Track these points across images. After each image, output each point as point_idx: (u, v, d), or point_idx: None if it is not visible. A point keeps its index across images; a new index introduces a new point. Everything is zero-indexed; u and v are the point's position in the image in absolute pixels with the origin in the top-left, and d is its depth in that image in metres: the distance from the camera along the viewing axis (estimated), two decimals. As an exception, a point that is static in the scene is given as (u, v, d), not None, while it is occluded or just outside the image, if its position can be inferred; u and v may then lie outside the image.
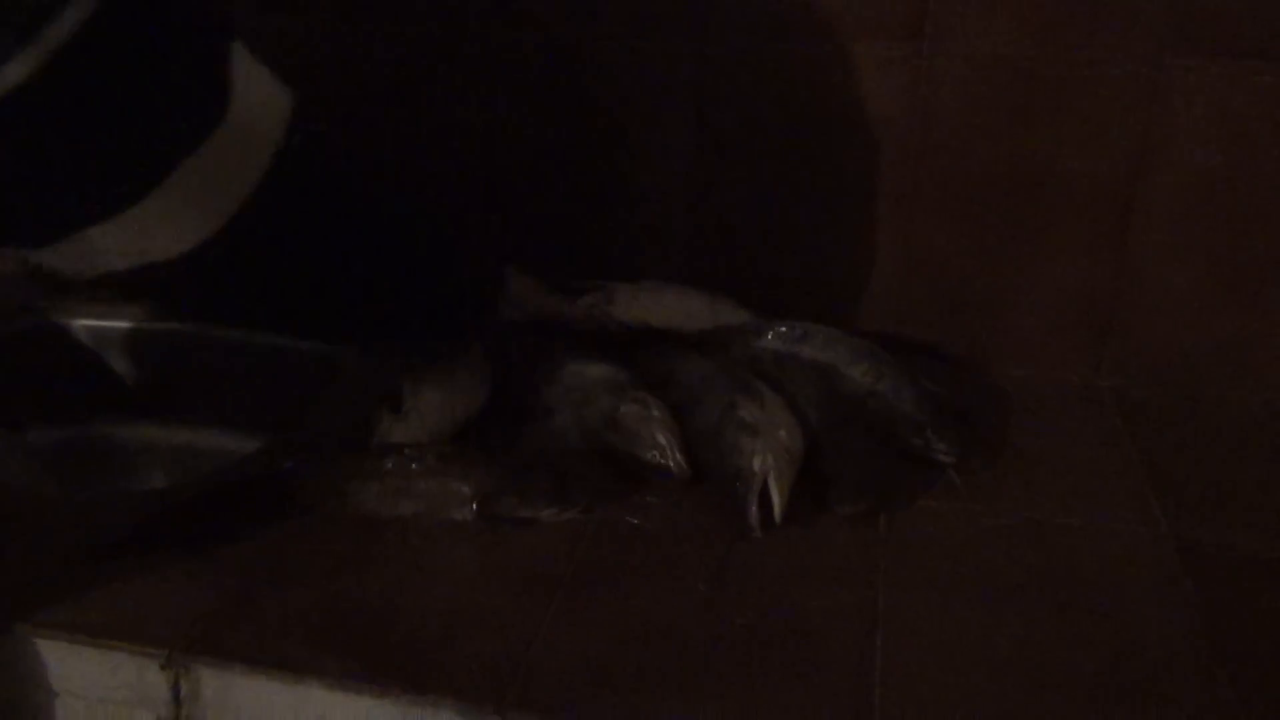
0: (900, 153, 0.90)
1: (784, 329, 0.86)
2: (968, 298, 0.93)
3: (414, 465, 0.70)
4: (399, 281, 0.70)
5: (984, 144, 0.88)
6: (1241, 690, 0.57)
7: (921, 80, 0.87)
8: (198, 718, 0.58)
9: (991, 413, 0.85)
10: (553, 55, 0.93)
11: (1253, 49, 0.82)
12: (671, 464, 0.72)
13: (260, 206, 0.53)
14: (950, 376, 0.88)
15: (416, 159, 0.98)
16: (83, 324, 0.97)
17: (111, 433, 0.99)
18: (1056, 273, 0.91)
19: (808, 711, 0.55)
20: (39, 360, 0.98)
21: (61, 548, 0.66)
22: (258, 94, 0.53)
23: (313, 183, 0.59)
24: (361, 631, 0.60)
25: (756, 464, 0.68)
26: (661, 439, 0.73)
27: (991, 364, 0.93)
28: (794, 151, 0.92)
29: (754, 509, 0.67)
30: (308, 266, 0.61)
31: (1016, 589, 0.65)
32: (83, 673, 0.59)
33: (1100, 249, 0.90)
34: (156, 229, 0.50)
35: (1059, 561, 0.67)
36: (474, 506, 0.69)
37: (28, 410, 0.94)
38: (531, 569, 0.65)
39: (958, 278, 0.93)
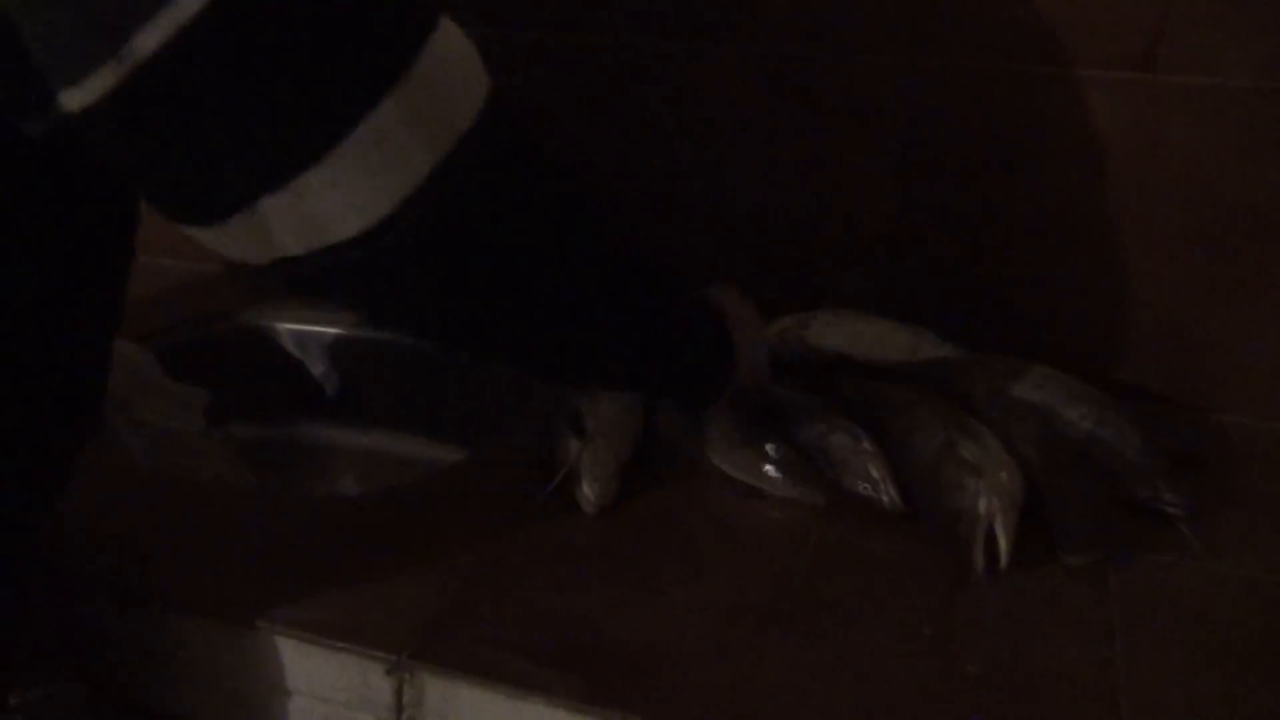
0: (1124, 184, 0.86)
1: (997, 365, 0.82)
2: (1191, 339, 0.88)
3: None
4: (637, 321, 0.63)
5: (1215, 178, 0.84)
6: None
7: (1151, 110, 0.83)
8: (418, 724, 0.59)
9: (1220, 462, 0.80)
10: (762, 73, 0.92)
11: None
12: (885, 498, 0.70)
13: (443, 193, 0.46)
14: (1175, 423, 0.84)
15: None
16: (288, 327, 1.01)
17: (310, 434, 1.02)
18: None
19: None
20: (245, 360, 1.01)
21: (284, 546, 0.68)
22: (451, 66, 0.47)
23: (512, 182, 0.51)
24: (584, 649, 0.59)
25: (981, 506, 0.65)
26: (875, 472, 0.71)
27: (1215, 410, 0.88)
28: (1006, 177, 0.89)
29: (979, 552, 0.65)
30: (503, 275, 0.53)
31: (1259, 652, 0.61)
32: (309, 671, 0.61)
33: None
34: (329, 199, 0.44)
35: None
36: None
37: (232, 408, 0.97)
38: (752, 598, 0.64)
39: (1180, 318, 0.88)
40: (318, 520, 0.72)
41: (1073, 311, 0.90)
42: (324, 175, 0.43)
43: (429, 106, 0.45)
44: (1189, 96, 0.82)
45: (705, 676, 0.57)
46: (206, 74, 0.41)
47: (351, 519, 0.72)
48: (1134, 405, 0.80)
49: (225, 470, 0.94)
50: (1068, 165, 0.87)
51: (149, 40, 0.39)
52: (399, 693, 0.58)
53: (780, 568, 0.67)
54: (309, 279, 0.48)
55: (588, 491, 0.71)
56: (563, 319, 0.58)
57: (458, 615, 0.62)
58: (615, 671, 0.58)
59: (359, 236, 0.45)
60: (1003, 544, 0.65)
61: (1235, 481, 0.78)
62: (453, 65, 0.47)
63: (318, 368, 1.01)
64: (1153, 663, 0.60)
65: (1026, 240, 0.90)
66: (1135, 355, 0.90)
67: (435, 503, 0.74)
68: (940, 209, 0.92)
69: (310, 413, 1.02)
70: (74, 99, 0.41)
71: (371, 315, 0.56)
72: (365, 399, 1.01)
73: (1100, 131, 0.85)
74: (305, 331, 1.01)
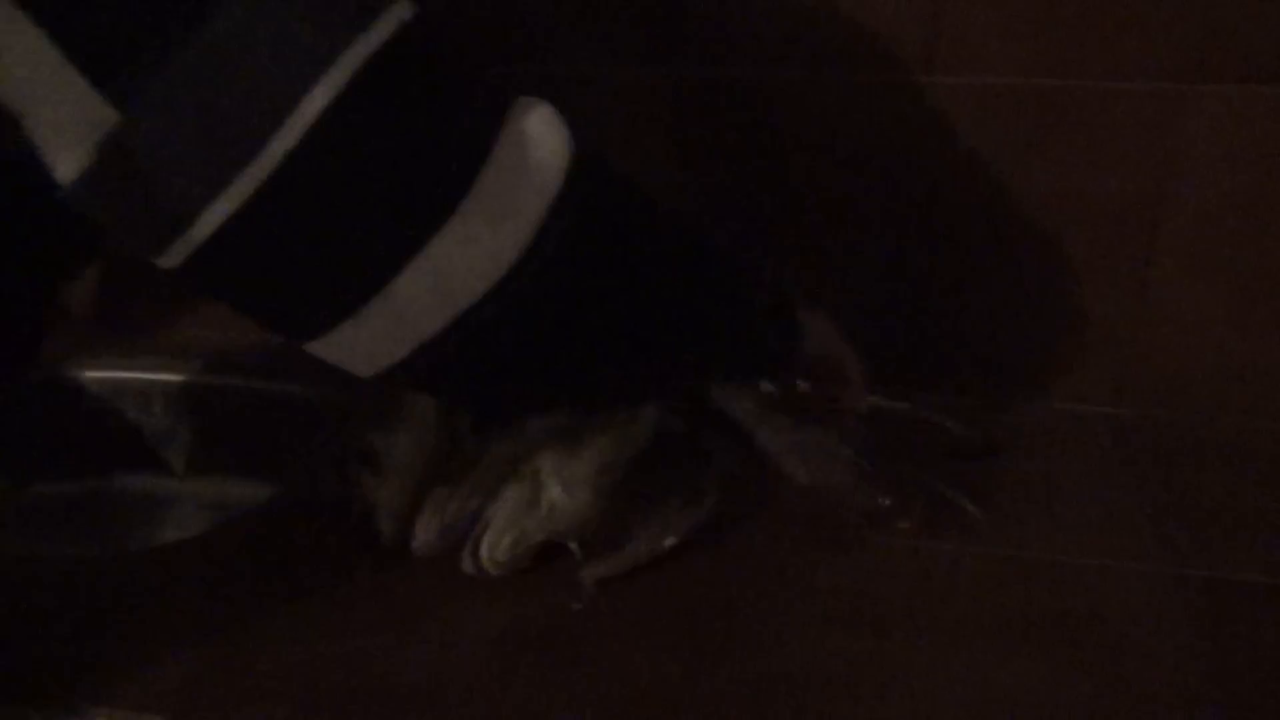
0: (910, 183, 0.88)
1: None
2: (983, 328, 0.91)
3: None
4: (712, 328, 0.67)
5: (998, 172, 0.87)
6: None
7: (934, 110, 0.86)
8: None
9: (1011, 446, 0.83)
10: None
11: (1272, 72, 0.79)
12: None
13: (557, 234, 0.50)
14: (966, 410, 0.86)
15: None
16: (95, 376, 0.98)
17: (126, 485, 0.99)
18: (1075, 300, 0.89)
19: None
20: (51, 413, 0.98)
21: (54, 611, 0.66)
22: (537, 120, 0.51)
23: (605, 230, 0.56)
24: (352, 694, 0.58)
25: None
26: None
27: (1010, 395, 0.91)
28: (799, 181, 0.91)
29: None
30: (617, 315, 0.58)
31: (1026, 629, 0.62)
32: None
33: (1122, 275, 0.87)
34: (456, 262, 0.48)
35: (1067, 601, 0.65)
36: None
37: (36, 464, 0.94)
38: (530, 626, 0.64)
39: (970, 307, 0.91)
40: (98, 580, 0.70)
41: (861, 314, 0.92)
42: (454, 234, 0.47)
43: (522, 168, 0.49)
44: (966, 94, 0.85)
45: (479, 710, 0.57)
46: (328, 162, 0.45)
47: (134, 574, 0.70)
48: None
49: (17, 534, 0.90)
50: (847, 167, 0.89)
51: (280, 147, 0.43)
52: (167, 752, 0.57)
53: (563, 588, 0.66)
54: (445, 359, 0.51)
55: (384, 527, 0.71)
56: (655, 344, 0.63)
57: (230, 669, 0.60)
58: (386, 713, 0.57)
59: (491, 291, 0.49)
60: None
61: (1024, 466, 0.81)
62: (532, 134, 0.51)
63: (130, 416, 0.99)
64: (919, 646, 0.61)
65: (807, 245, 0.92)
66: (931, 347, 0.93)
67: (229, 549, 0.73)
68: (736, 223, 0.93)
69: (126, 463, 0.99)
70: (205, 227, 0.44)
71: (495, 379, 0.58)
72: (181, 445, 0.99)
73: (882, 132, 0.88)
74: (115, 379, 0.98)
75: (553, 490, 0.68)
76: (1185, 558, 0.69)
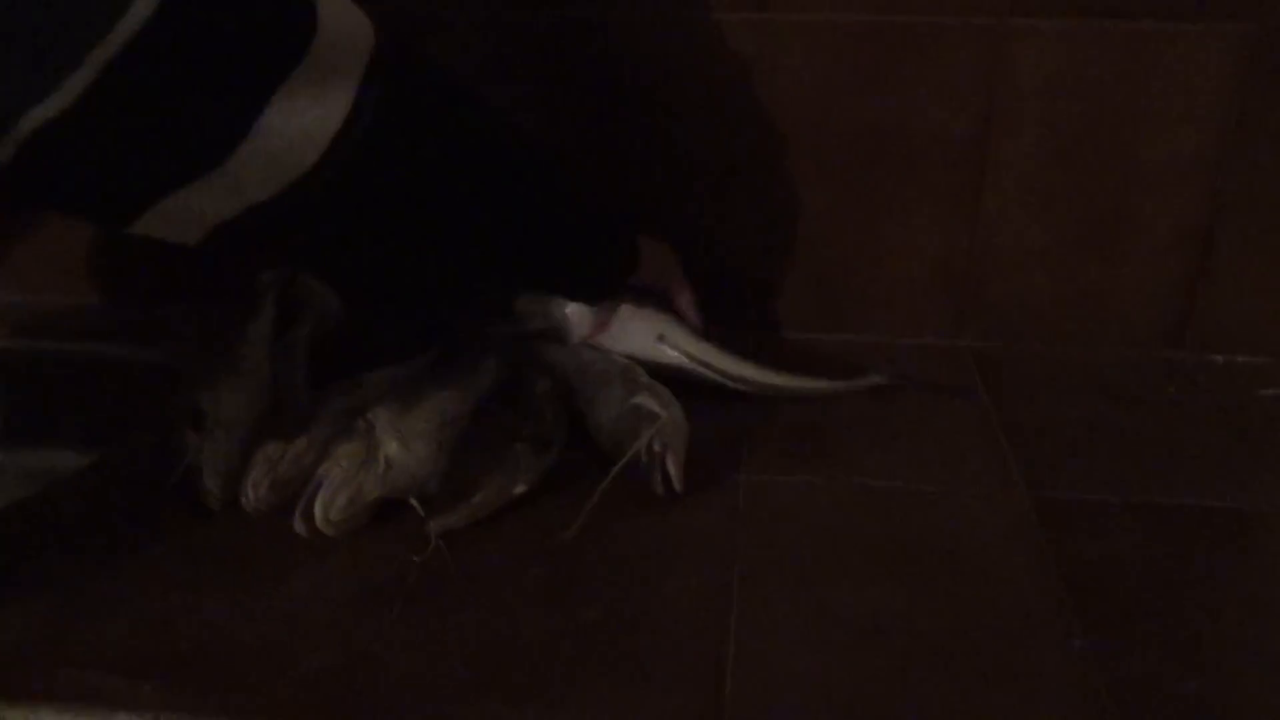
0: (748, 122, 0.88)
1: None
2: (822, 263, 0.92)
3: None
4: (545, 226, 0.69)
5: (833, 109, 0.87)
6: (1098, 641, 0.57)
7: (766, 47, 0.86)
8: (7, 763, 0.54)
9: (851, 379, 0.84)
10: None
11: (1091, 6, 0.82)
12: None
13: (360, 137, 0.53)
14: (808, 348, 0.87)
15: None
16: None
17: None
18: (912, 234, 0.90)
19: (660, 702, 0.53)
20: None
21: None
22: (343, 12, 0.53)
23: (420, 111, 0.58)
24: (185, 658, 0.56)
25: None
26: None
27: (857, 332, 0.93)
28: (638, 121, 0.90)
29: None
30: (437, 198, 0.61)
31: (875, 559, 0.64)
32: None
33: (954, 209, 0.89)
34: (287, 132, 0.50)
35: (917, 529, 0.67)
36: None
37: None
38: (368, 580, 0.62)
39: (811, 244, 0.91)
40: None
41: (712, 247, 0.93)
42: (280, 110, 0.49)
43: (337, 46, 0.51)
44: (799, 30, 0.85)
45: (313, 666, 0.55)
46: (151, 65, 0.45)
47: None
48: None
49: None
50: (695, 109, 0.89)
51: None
52: (-21, 732, 0.54)
53: (407, 543, 0.65)
54: (270, 221, 0.53)
55: (210, 485, 0.68)
56: (486, 224, 0.65)
57: (53, 639, 0.57)
58: (223, 675, 0.55)
59: (319, 161, 0.51)
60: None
61: (867, 399, 0.83)
62: (342, 12, 0.53)
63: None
64: (768, 576, 0.62)
65: (663, 185, 0.92)
66: (780, 282, 0.94)
67: (52, 516, 0.69)
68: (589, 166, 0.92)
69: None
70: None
71: (318, 248, 0.61)
72: (8, 414, 0.93)
73: (722, 72, 0.87)
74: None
75: (389, 446, 0.66)
76: (1036, 482, 0.71)
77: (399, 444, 0.65)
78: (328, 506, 0.63)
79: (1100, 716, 0.52)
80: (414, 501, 0.66)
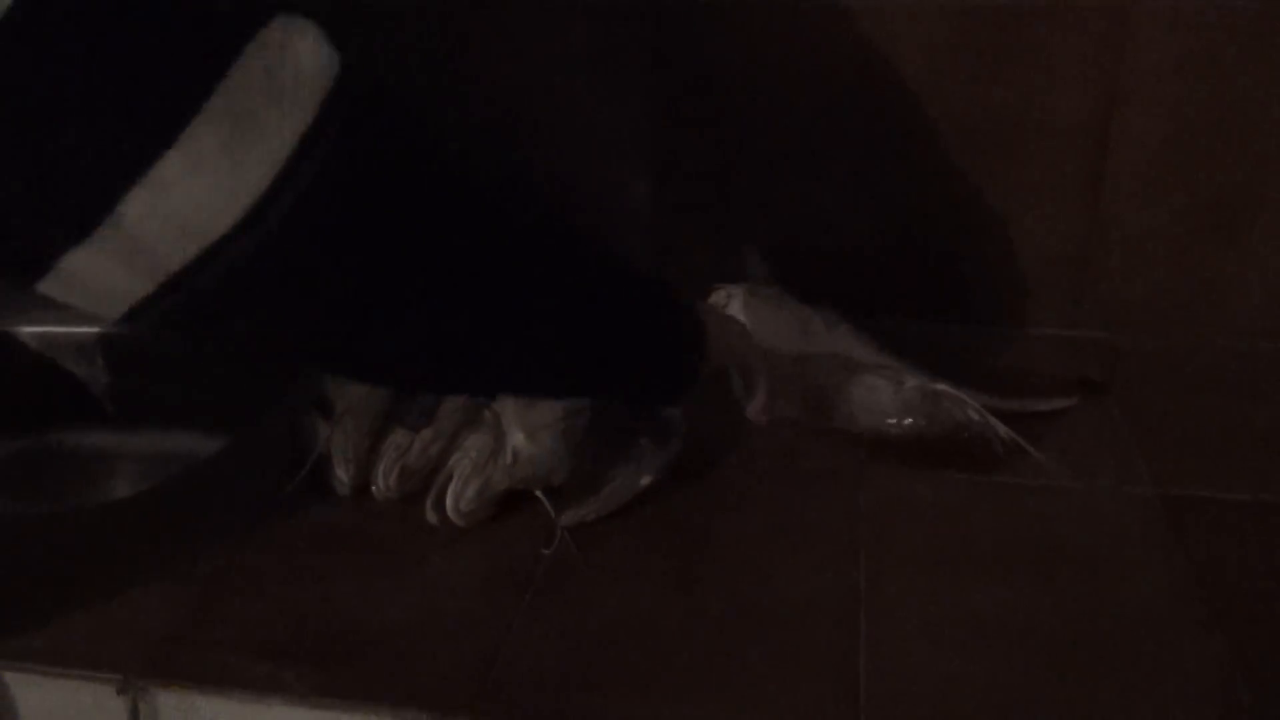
0: (861, 107, 0.87)
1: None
2: (937, 252, 0.91)
3: None
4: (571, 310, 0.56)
5: (947, 92, 0.86)
6: (1235, 641, 0.56)
7: (879, 29, 0.84)
8: (158, 741, 0.56)
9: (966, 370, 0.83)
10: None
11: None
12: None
13: (323, 157, 0.43)
14: (927, 336, 0.86)
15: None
16: (32, 331, 0.94)
17: (69, 441, 0.96)
18: (1029, 222, 0.88)
19: (793, 697, 0.53)
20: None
21: (12, 570, 0.64)
22: (302, 26, 0.44)
23: (393, 141, 0.48)
24: (324, 644, 0.58)
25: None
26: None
27: (968, 322, 0.91)
28: (750, 107, 0.89)
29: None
30: (409, 278, 0.49)
31: (999, 555, 0.63)
32: (41, 701, 0.57)
33: (1073, 195, 0.87)
34: (196, 188, 0.41)
35: (1043, 524, 0.66)
36: None
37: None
38: (498, 570, 0.63)
39: (926, 232, 0.90)
40: (54, 536, 0.68)
41: (830, 236, 0.92)
42: (181, 160, 0.40)
43: (278, 75, 0.42)
44: (915, 13, 0.84)
45: (450, 653, 0.57)
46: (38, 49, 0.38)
47: (92, 530, 0.68)
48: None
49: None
50: (812, 92, 0.88)
51: None
52: (134, 712, 0.56)
53: (535, 533, 0.66)
54: (198, 299, 0.44)
55: (340, 473, 0.69)
56: (478, 295, 0.52)
57: (198, 623, 0.59)
58: (362, 662, 0.56)
59: (236, 227, 0.42)
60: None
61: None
62: (294, 34, 0.43)
63: (72, 371, 0.95)
64: (896, 574, 0.62)
65: (781, 171, 0.91)
66: (896, 271, 0.92)
67: (186, 502, 0.71)
68: (691, 152, 0.91)
69: (70, 419, 0.96)
70: None
71: (270, 327, 0.49)
72: (128, 398, 0.96)
73: (839, 56, 0.86)
74: (53, 334, 0.95)
75: (516, 437, 0.67)
76: (1162, 478, 0.70)
77: (525, 436, 0.66)
78: (458, 497, 0.65)
79: (1241, 716, 0.51)
80: (540, 494, 0.66)
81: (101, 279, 0.43)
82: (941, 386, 0.72)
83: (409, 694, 0.54)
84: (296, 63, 0.43)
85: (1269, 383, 0.82)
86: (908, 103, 0.86)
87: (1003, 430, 0.70)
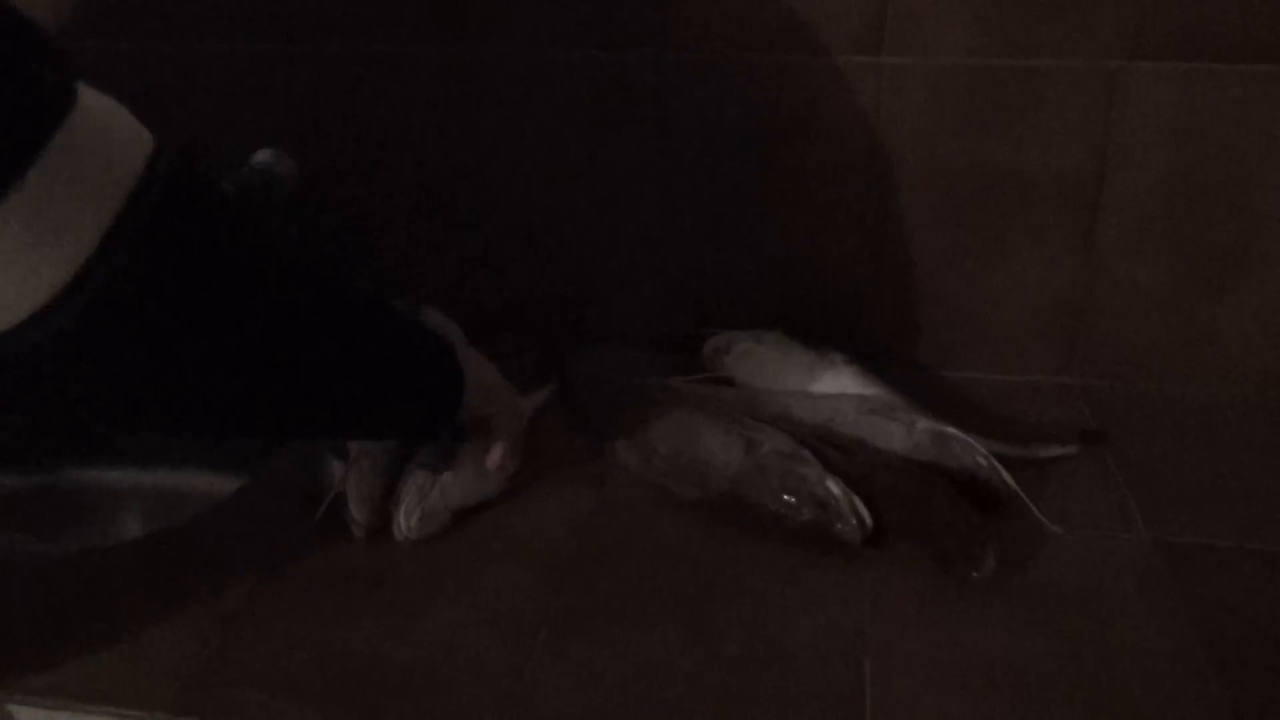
0: (864, 162, 0.90)
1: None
2: (936, 303, 0.93)
3: None
4: (345, 367, 0.59)
5: (948, 150, 0.88)
6: (1233, 687, 0.57)
7: (884, 89, 0.87)
8: (183, 778, 0.57)
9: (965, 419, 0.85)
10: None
11: (1208, 50, 0.82)
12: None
13: (127, 252, 0.43)
14: (920, 381, 0.89)
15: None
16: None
17: (81, 478, 0.97)
18: (1024, 273, 0.91)
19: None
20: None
21: (36, 607, 0.65)
22: (108, 119, 0.44)
23: (201, 230, 0.47)
24: (345, 682, 0.59)
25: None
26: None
27: (964, 369, 0.94)
28: (756, 161, 0.92)
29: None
30: (214, 342, 0.49)
31: (1000, 600, 0.65)
32: (66, 739, 0.59)
33: (1066, 248, 0.90)
34: None
35: (1038, 570, 0.68)
36: None
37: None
38: (512, 611, 0.65)
39: (926, 284, 0.93)
40: (78, 573, 0.69)
41: (827, 283, 0.94)
42: None
43: (83, 173, 0.42)
44: (914, 73, 0.87)
45: (471, 692, 0.58)
46: None
47: (114, 568, 0.70)
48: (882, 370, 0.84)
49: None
50: (812, 148, 0.90)
51: None
52: (159, 748, 0.57)
53: (549, 578, 0.67)
54: None
55: (355, 514, 0.71)
56: (278, 370, 0.54)
57: (220, 660, 0.61)
58: (383, 700, 0.58)
59: (32, 318, 0.41)
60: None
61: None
62: (103, 126, 0.44)
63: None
64: (898, 620, 0.63)
65: (781, 223, 0.94)
66: (891, 320, 0.95)
67: (201, 542, 0.73)
68: (698, 197, 0.94)
69: (79, 454, 0.97)
70: None
71: (62, 406, 0.49)
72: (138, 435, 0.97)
73: (840, 113, 0.89)
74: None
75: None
76: (1156, 524, 0.72)
77: None
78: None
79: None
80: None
81: None
82: (951, 430, 0.74)
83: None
84: (107, 151, 0.43)
85: (1258, 431, 0.85)
86: (909, 156, 0.89)
87: (1007, 477, 0.72)
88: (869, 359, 0.87)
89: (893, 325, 0.95)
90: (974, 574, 0.65)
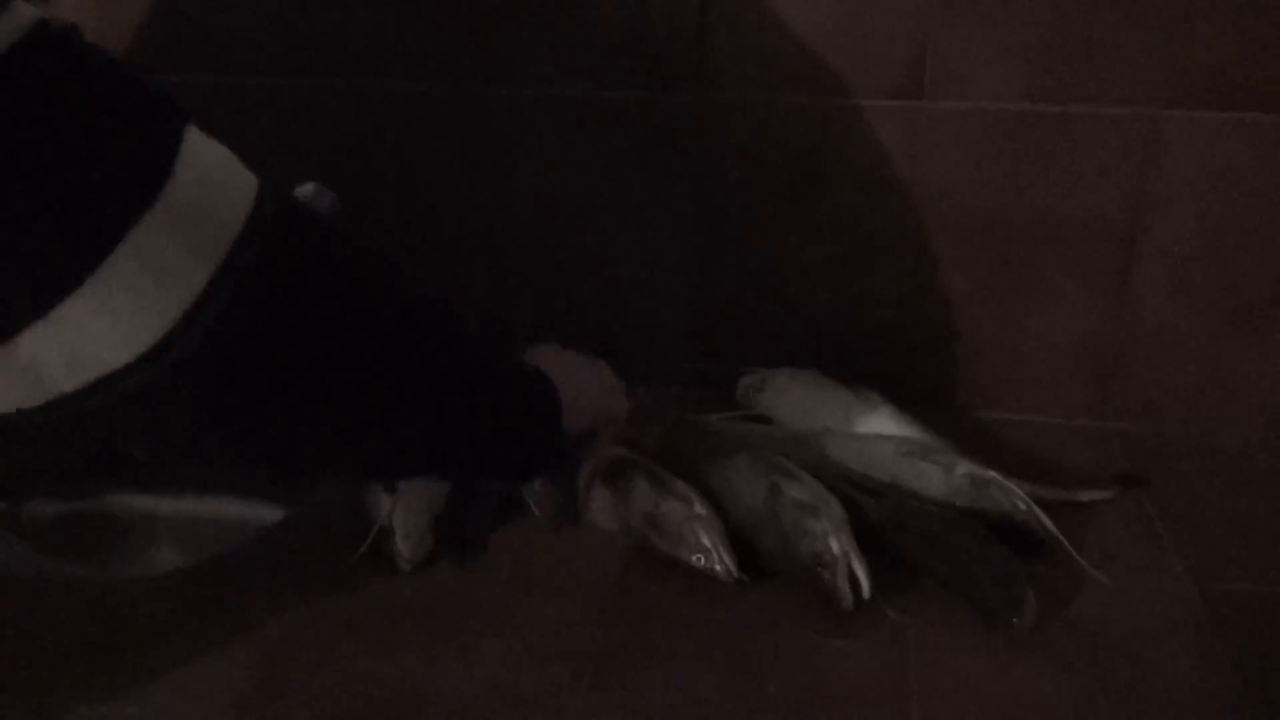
0: (901, 205, 0.91)
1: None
2: (972, 345, 0.94)
3: None
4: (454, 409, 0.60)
5: (985, 194, 0.89)
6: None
7: (922, 133, 0.88)
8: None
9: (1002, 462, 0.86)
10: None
11: (1243, 98, 0.83)
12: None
13: (227, 302, 0.44)
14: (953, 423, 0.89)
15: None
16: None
17: (121, 505, 0.98)
18: (1060, 317, 0.92)
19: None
20: (39, 430, 0.96)
21: (84, 636, 0.66)
22: (208, 175, 0.45)
23: (306, 275, 0.49)
24: (396, 712, 0.59)
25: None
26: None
27: (997, 410, 0.94)
28: (794, 202, 0.93)
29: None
30: (320, 385, 0.50)
31: (1042, 645, 0.65)
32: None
33: (1102, 293, 0.91)
34: (96, 327, 0.41)
35: (1080, 615, 0.68)
36: None
37: (26, 484, 0.93)
38: (557, 648, 0.65)
39: (961, 326, 0.94)
40: (121, 604, 0.70)
41: (862, 325, 0.95)
42: (87, 302, 0.40)
43: (192, 219, 0.43)
44: (952, 118, 0.88)
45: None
46: None
47: (160, 596, 0.71)
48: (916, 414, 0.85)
49: (15, 559, 0.89)
50: (852, 191, 0.92)
51: None
52: (209, 779, 0.57)
53: (593, 613, 0.68)
54: (92, 416, 0.43)
55: (401, 548, 0.71)
56: (383, 413, 0.55)
57: (267, 692, 0.61)
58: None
59: (135, 362, 0.42)
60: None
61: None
62: (210, 174, 0.45)
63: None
64: (943, 664, 0.63)
65: (818, 264, 0.94)
66: (925, 363, 0.95)
67: (247, 572, 0.73)
68: (734, 240, 0.95)
69: (119, 482, 0.98)
70: None
71: (171, 449, 0.51)
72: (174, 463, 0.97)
73: (879, 158, 0.90)
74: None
75: None
76: (1197, 570, 0.72)
77: None
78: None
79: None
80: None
81: None
82: (991, 474, 0.74)
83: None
84: (213, 200, 0.44)
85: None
86: (947, 199, 0.90)
87: (1048, 522, 0.72)
88: (903, 399, 0.88)
89: (927, 366, 0.95)
90: (1014, 620, 0.65)
